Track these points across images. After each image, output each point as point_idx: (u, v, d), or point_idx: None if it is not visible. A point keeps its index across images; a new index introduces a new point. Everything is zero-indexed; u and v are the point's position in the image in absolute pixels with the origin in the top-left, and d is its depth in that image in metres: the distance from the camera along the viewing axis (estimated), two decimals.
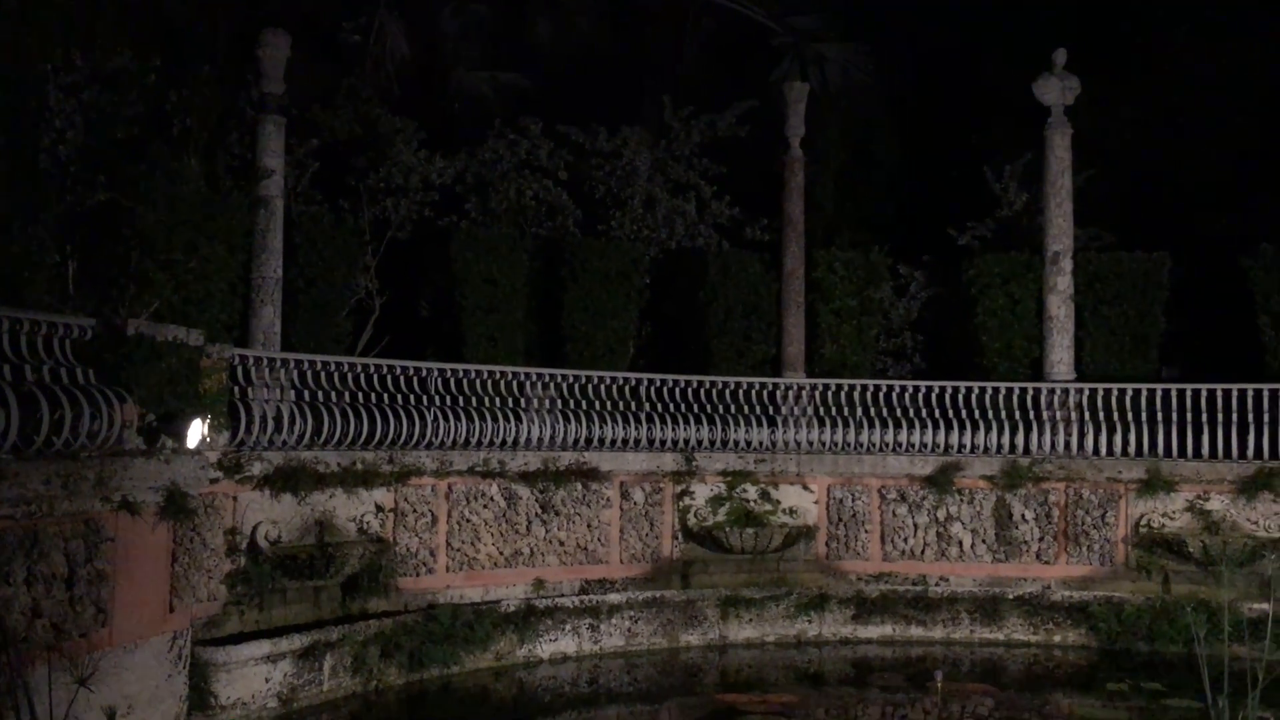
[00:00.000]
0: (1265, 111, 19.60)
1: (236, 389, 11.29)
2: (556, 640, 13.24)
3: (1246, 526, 14.12)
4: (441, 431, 13.11)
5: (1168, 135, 20.26)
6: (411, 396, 12.96)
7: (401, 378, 12.90)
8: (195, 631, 9.90)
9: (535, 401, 14.15)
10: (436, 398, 13.22)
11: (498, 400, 13.72)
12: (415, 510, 12.80)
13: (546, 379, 14.29)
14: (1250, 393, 14.25)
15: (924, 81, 22.45)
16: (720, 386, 15.22)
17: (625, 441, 14.50)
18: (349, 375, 12.43)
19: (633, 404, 14.67)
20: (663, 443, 14.73)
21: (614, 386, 14.60)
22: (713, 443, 14.99)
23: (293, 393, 12.03)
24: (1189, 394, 14.49)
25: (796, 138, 16.85)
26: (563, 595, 13.58)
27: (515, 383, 13.95)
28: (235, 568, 10.91)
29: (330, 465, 11.88)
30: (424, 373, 13.15)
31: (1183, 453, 14.47)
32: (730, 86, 20.85)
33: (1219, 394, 14.35)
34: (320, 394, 12.12)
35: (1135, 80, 20.60)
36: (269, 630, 10.85)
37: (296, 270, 15.19)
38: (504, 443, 13.63)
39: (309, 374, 12.09)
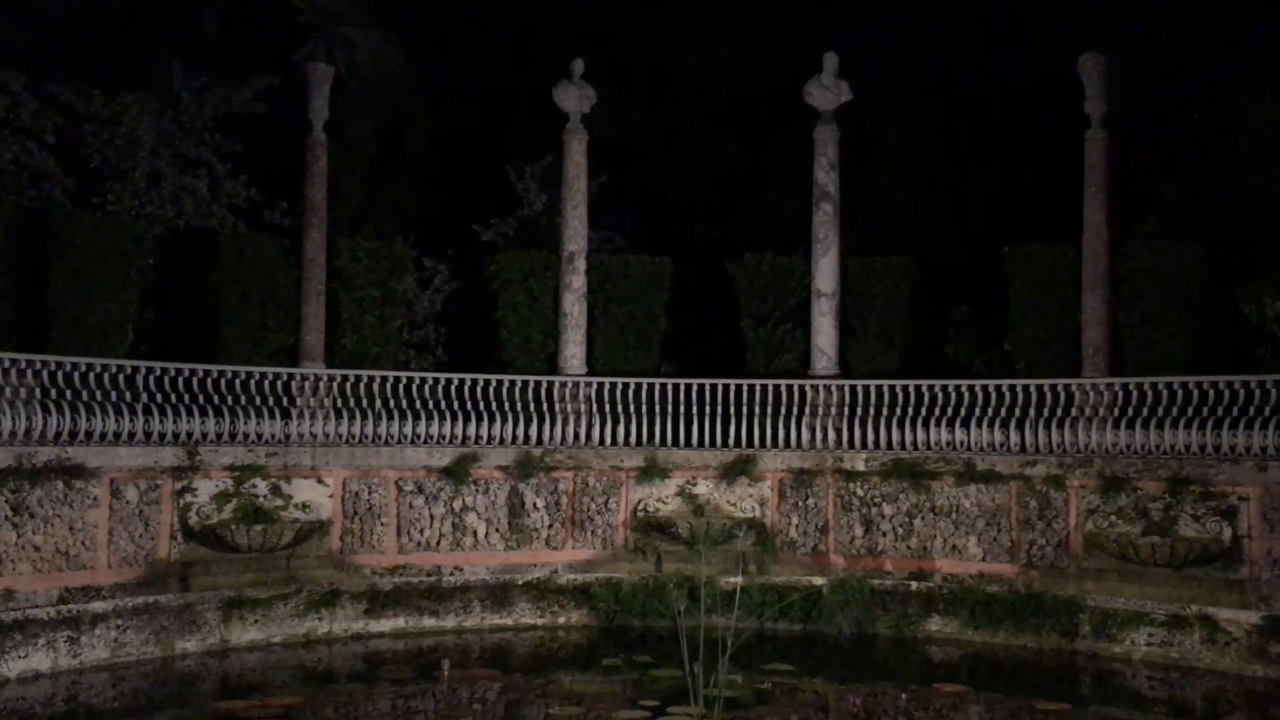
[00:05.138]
0: (748, 133, 21.89)
1: None
2: (27, 657, 11.79)
3: (726, 508, 15.66)
4: None
5: (673, 148, 22.01)
6: None
7: None
8: None
9: (9, 391, 12.59)
10: None
11: None
12: None
13: (23, 365, 12.76)
14: (733, 387, 15.86)
15: (457, 78, 22.65)
16: (230, 376, 14.44)
17: (118, 435, 13.35)
18: None
19: (128, 394, 13.49)
20: (162, 436, 13.70)
21: (106, 375, 13.33)
22: (220, 436, 14.17)
23: None
24: (683, 388, 15.85)
25: (320, 120, 16.30)
26: (37, 606, 12.15)
27: None
28: None
29: None
30: None
31: (676, 442, 15.81)
32: (253, 62, 19.78)
33: (707, 388, 15.84)
34: None
35: (648, 95, 22.18)
36: None
37: None
38: None
39: None
